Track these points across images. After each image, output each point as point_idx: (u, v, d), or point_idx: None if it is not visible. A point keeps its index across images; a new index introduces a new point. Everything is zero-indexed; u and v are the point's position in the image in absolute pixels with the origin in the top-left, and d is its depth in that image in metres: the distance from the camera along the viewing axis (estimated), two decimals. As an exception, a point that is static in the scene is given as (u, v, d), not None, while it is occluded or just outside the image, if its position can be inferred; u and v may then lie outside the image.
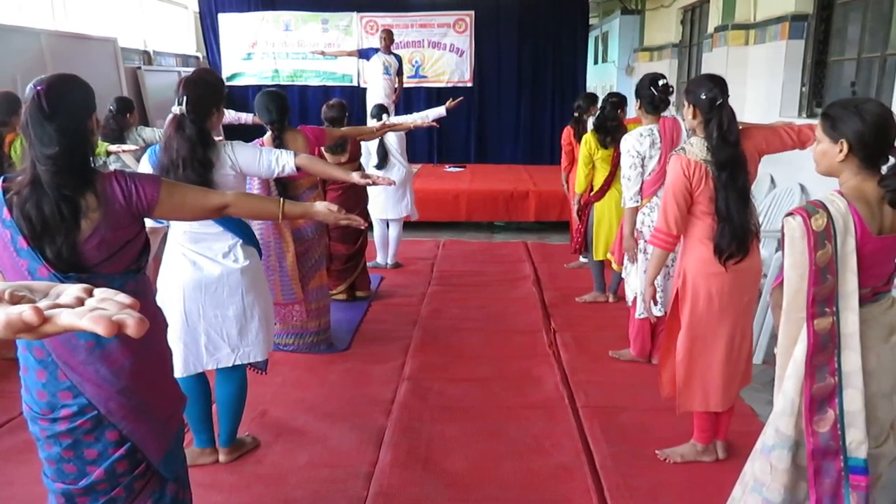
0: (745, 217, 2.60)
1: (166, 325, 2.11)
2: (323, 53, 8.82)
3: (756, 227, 2.68)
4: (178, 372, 2.67)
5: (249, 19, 9.56)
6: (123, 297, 0.70)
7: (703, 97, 2.62)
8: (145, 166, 2.61)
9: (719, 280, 2.66)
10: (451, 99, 5.40)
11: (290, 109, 3.79)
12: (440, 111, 5.39)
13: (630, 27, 10.38)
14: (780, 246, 1.94)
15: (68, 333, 1.75)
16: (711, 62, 6.46)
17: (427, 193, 7.47)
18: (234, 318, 2.70)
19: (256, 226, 3.75)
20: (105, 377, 1.78)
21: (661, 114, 3.62)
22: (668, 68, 8.66)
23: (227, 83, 9.71)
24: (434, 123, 5.08)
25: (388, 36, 7.39)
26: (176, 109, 2.52)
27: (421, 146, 9.80)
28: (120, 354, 1.78)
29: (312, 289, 4.05)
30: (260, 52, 9.67)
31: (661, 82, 3.56)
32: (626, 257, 3.81)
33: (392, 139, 5.62)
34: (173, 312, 2.63)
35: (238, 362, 2.76)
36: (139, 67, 7.76)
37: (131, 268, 1.85)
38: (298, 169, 2.69)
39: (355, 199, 5.00)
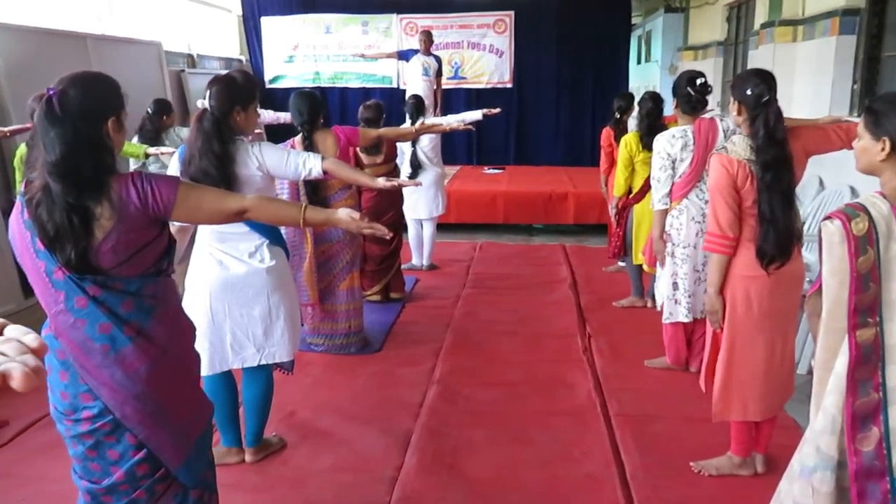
0: (790, 220, 2.48)
1: (192, 331, 2.06)
2: (363, 56, 8.87)
3: (799, 231, 2.56)
4: (204, 370, 2.68)
5: (291, 22, 9.67)
6: (31, 340, 0.65)
7: (749, 93, 2.52)
8: (174, 163, 2.64)
9: (759, 284, 2.54)
10: (489, 108, 5.27)
11: (322, 110, 3.79)
12: (477, 115, 5.31)
13: (674, 25, 10.15)
14: (819, 252, 1.83)
15: (83, 336, 1.77)
16: (757, 60, 6.25)
17: (464, 195, 7.43)
18: (259, 318, 2.70)
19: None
20: (120, 382, 1.76)
21: (699, 114, 3.50)
22: (712, 67, 8.43)
23: (269, 85, 9.87)
24: (470, 127, 5.02)
25: (428, 37, 7.37)
26: (200, 103, 2.55)
27: (460, 148, 9.76)
28: (135, 359, 1.76)
29: (343, 291, 4.04)
30: (301, 54, 9.78)
31: (699, 81, 3.44)
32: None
33: (425, 143, 5.59)
34: (200, 311, 2.65)
35: (263, 362, 2.76)
36: (183, 70, 7.91)
37: (150, 271, 1.81)
38: (325, 172, 2.69)
39: (390, 200, 4.99)
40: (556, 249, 6.61)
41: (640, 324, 4.49)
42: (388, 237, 2.26)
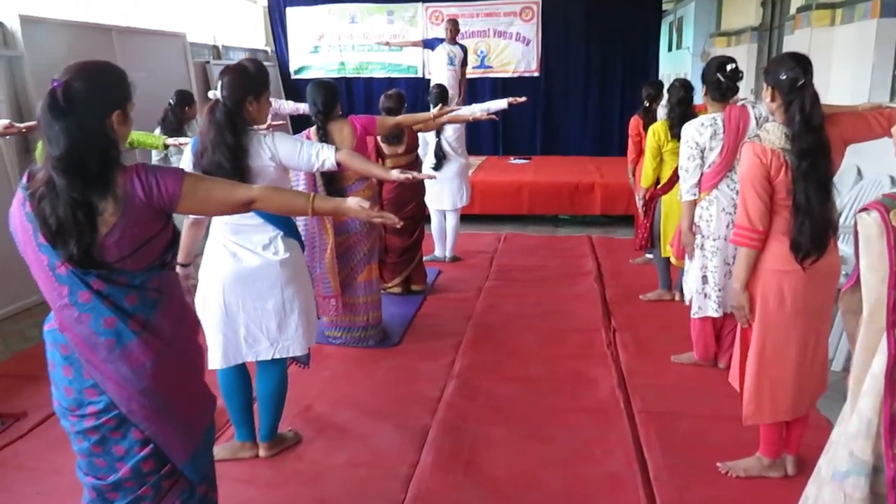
0: (827, 211, 2.36)
1: (197, 324, 2.04)
2: (388, 44, 8.79)
3: (836, 223, 2.43)
4: (218, 363, 2.66)
5: (316, 12, 9.63)
6: None
7: (783, 77, 2.39)
8: (187, 154, 2.60)
9: (793, 278, 2.42)
10: (514, 98, 5.14)
11: (338, 100, 3.73)
12: (502, 104, 5.18)
13: (706, 11, 9.89)
14: (855, 245, 1.71)
15: (88, 330, 1.74)
16: (793, 45, 6.02)
17: (489, 186, 7.33)
18: (273, 311, 2.65)
19: (301, 218, 3.72)
20: (126, 376, 1.73)
21: (729, 101, 3.36)
22: (746, 53, 8.18)
23: (295, 76, 9.86)
24: (494, 116, 4.91)
25: (454, 26, 7.26)
26: (212, 94, 2.51)
27: (486, 138, 9.65)
28: (141, 353, 1.73)
29: (361, 283, 3.99)
30: (326, 44, 9.74)
31: (728, 67, 3.29)
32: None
33: (449, 133, 5.51)
34: (213, 304, 2.62)
35: (277, 356, 2.71)
36: (208, 62, 7.91)
37: (155, 264, 1.78)
38: (339, 164, 2.64)
39: (412, 191, 4.92)
40: (583, 241, 6.48)
41: (668, 318, 4.36)
42: (398, 226, 2.20)
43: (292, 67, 9.86)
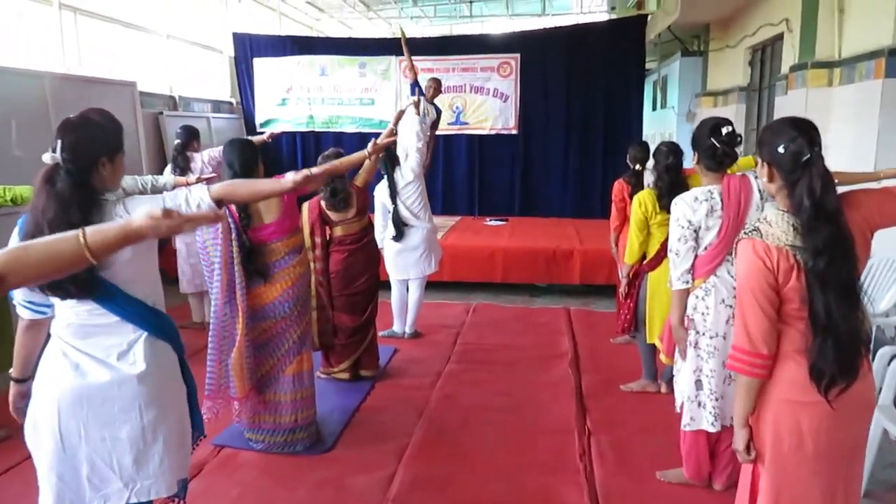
0: (855, 325, 1.76)
1: None
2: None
3: (868, 338, 1.83)
4: (49, 515, 1.98)
5: (285, 63, 9.18)
6: None
7: (783, 151, 1.83)
8: (14, 238, 1.96)
9: (815, 413, 1.82)
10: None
11: (258, 159, 3.17)
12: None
13: (691, 70, 9.52)
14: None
15: None
16: (787, 106, 5.57)
17: (460, 250, 6.75)
18: (128, 442, 1.99)
19: (213, 299, 3.09)
20: None
21: (727, 170, 2.80)
22: (734, 114, 7.75)
23: (261, 129, 9.33)
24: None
25: (437, 85, 6.77)
26: (47, 157, 1.89)
27: (461, 197, 9.13)
28: None
29: (289, 377, 3.34)
30: (295, 97, 9.26)
31: (724, 130, 2.74)
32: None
33: (408, 197, 4.96)
34: (45, 433, 1.95)
35: (134, 500, 2.03)
36: (161, 113, 7.38)
37: None
38: (220, 204, 2.04)
39: (365, 260, 4.33)
40: (559, 314, 5.87)
41: (652, 416, 3.73)
42: (217, 220, 1.60)
43: (258, 120, 9.35)
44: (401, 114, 6.30)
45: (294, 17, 12.67)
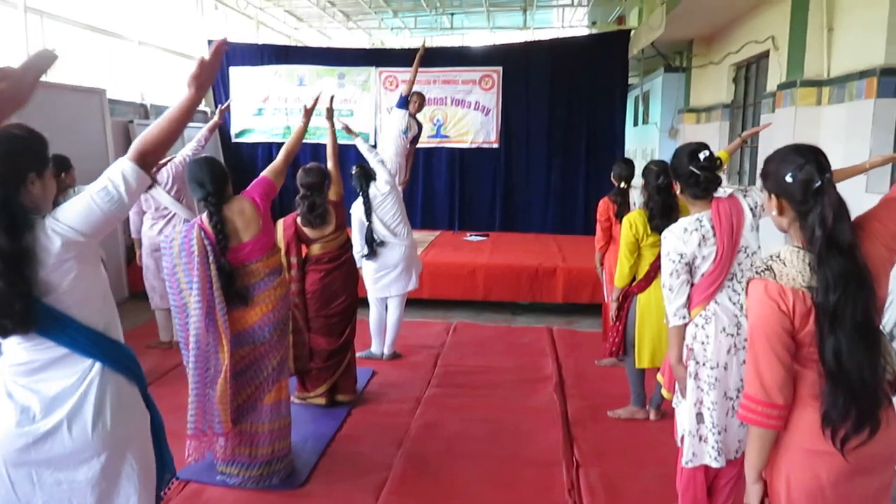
0: (873, 368, 1.60)
1: None
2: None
3: (892, 383, 1.67)
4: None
5: (262, 73, 8.96)
6: None
7: (791, 180, 1.68)
8: None
9: (833, 464, 1.66)
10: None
11: (228, 176, 2.96)
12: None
13: (674, 86, 9.48)
14: None
15: None
16: (776, 124, 5.49)
17: (440, 267, 6.56)
18: (87, 484, 1.78)
19: (193, 328, 2.85)
20: None
21: (713, 195, 2.65)
22: (717, 132, 7.71)
23: (236, 139, 9.14)
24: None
25: (421, 100, 6.64)
26: None
27: (441, 212, 8.95)
28: None
29: (267, 406, 3.11)
30: (271, 107, 9.03)
31: (702, 155, 2.59)
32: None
33: (385, 214, 4.78)
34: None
35: (95, 549, 1.81)
36: (131, 121, 7.12)
37: None
38: (145, 164, 1.74)
39: (343, 279, 4.12)
40: (542, 334, 5.69)
41: (643, 446, 3.56)
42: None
43: (233, 130, 9.11)
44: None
45: (272, 26, 12.44)
